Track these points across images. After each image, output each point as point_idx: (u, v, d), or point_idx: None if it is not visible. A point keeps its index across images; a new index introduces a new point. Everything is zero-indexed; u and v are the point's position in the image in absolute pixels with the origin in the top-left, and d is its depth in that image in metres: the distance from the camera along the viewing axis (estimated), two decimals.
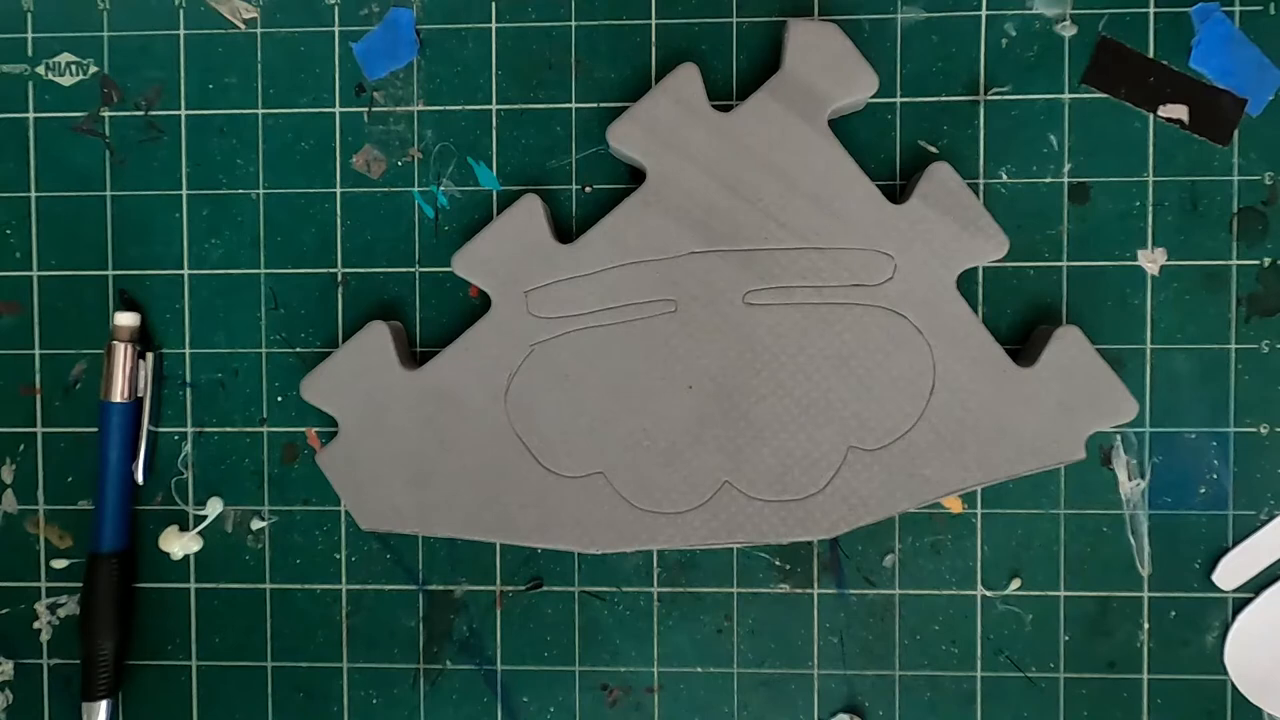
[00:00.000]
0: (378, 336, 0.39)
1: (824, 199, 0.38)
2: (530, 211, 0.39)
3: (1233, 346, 0.40)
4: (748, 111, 0.38)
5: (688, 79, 0.38)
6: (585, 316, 0.39)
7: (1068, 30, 0.40)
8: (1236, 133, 0.39)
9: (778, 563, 0.41)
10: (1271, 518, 0.40)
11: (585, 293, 0.39)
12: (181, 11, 0.41)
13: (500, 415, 0.39)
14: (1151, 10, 0.40)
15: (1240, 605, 0.40)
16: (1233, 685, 0.40)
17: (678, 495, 0.39)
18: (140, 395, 0.41)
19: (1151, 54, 0.40)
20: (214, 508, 0.42)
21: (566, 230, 0.41)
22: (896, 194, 0.40)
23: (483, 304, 0.40)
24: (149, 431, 0.41)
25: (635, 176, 0.40)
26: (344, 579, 0.42)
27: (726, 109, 0.39)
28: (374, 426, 0.39)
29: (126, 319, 0.40)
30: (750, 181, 0.38)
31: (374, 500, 0.39)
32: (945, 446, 0.38)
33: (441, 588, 0.41)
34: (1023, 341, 0.40)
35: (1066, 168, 0.40)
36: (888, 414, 0.38)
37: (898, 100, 0.40)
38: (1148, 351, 0.40)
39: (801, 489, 0.39)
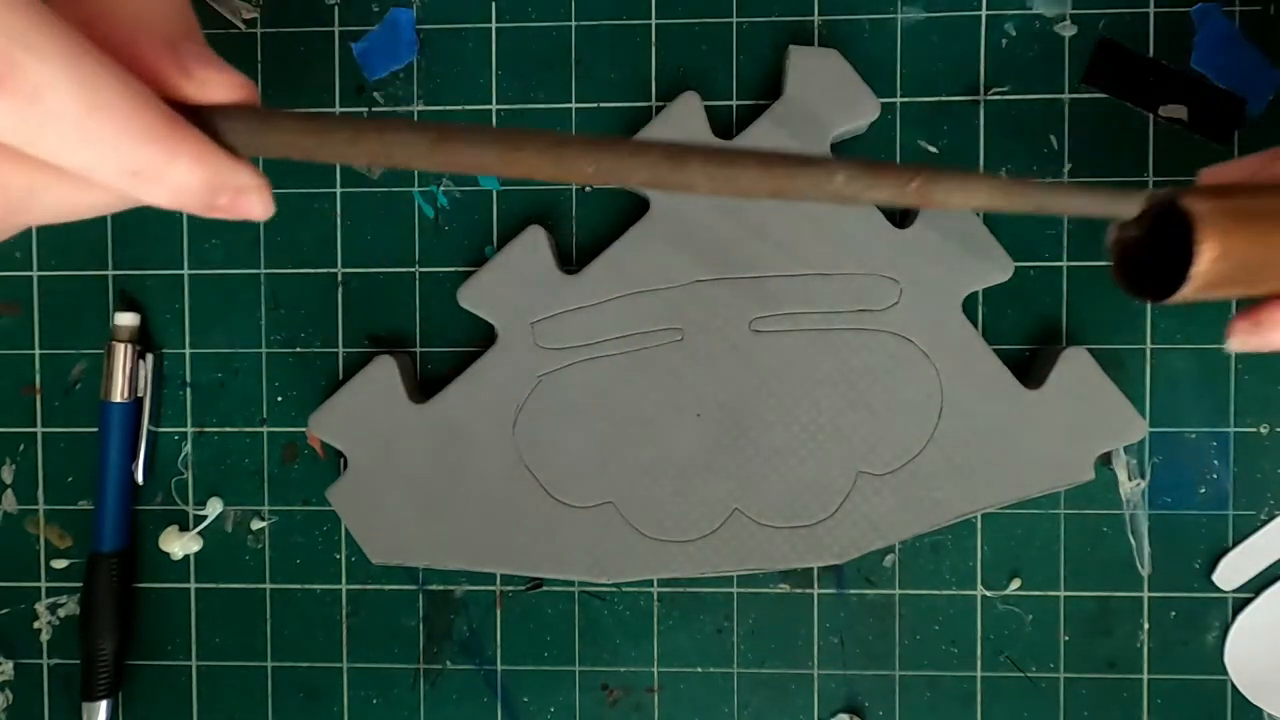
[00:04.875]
0: (385, 370, 0.39)
1: (828, 225, 0.38)
2: (534, 243, 0.39)
3: None
4: (750, 139, 0.38)
5: (689, 108, 0.38)
6: (592, 347, 0.39)
7: (1068, 30, 0.40)
8: (1236, 133, 0.39)
9: None
10: (1271, 518, 0.40)
11: (592, 323, 0.39)
12: None
13: (509, 447, 0.39)
14: (1151, 10, 0.40)
15: (1240, 605, 0.40)
16: (1233, 685, 0.40)
17: (688, 523, 0.39)
18: (140, 395, 0.41)
19: (1151, 54, 0.40)
20: (214, 508, 0.41)
21: (568, 234, 0.41)
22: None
23: (488, 335, 0.40)
24: (149, 431, 0.41)
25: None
26: (344, 579, 0.41)
27: (727, 115, 0.39)
28: (383, 461, 0.39)
29: (126, 319, 0.40)
30: (754, 209, 0.38)
31: (384, 534, 0.39)
32: (954, 470, 0.38)
33: (441, 588, 0.41)
34: (1022, 342, 0.40)
35: (1066, 168, 0.40)
36: (896, 438, 0.38)
37: (898, 100, 0.40)
38: (1148, 351, 0.40)
39: (811, 515, 0.38)
